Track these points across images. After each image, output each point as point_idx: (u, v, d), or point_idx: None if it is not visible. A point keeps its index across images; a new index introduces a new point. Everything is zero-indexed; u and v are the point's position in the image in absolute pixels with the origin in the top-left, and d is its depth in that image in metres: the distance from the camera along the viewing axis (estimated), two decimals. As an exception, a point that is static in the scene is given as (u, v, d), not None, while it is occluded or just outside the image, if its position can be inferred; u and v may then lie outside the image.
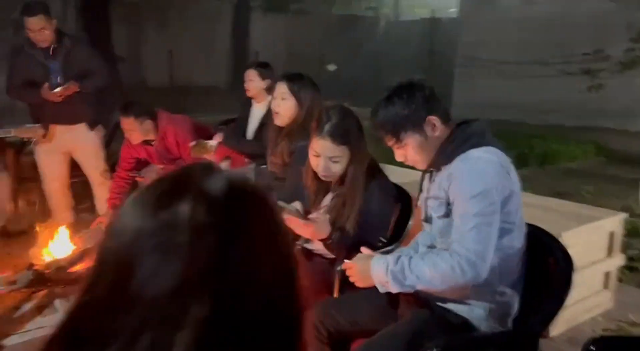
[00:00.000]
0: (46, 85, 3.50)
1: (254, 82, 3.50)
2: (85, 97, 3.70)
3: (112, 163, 3.93)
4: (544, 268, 1.73)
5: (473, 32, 11.49)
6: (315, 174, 2.08)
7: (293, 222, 1.91)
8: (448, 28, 13.57)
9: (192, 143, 3.42)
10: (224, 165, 3.38)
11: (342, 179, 2.06)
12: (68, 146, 3.85)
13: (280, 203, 2.44)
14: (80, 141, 3.85)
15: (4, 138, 3.78)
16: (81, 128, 3.81)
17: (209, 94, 11.03)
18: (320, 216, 1.97)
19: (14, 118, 3.92)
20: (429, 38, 14.16)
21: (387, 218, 2.12)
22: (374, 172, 2.08)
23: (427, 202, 1.75)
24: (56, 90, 3.52)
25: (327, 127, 1.96)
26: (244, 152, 3.40)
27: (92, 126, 3.84)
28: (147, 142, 3.59)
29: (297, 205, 2.13)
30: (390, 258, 1.66)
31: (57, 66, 3.59)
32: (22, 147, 3.87)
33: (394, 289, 1.63)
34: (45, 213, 4.04)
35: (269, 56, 12.83)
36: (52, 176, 3.91)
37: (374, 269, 1.67)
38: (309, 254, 2.18)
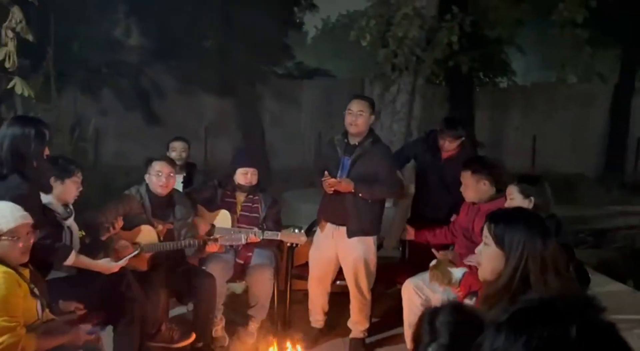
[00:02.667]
0: (326, 173, 3.37)
1: (514, 201, 2.89)
2: (360, 203, 3.39)
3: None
4: None
5: None
6: None
7: None
8: None
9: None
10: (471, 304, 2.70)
11: None
12: (334, 249, 3.55)
13: None
14: (344, 246, 3.50)
15: None
16: (345, 233, 3.47)
17: (572, 182, 10.04)
18: None
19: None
20: None
21: None
22: None
23: None
24: (325, 178, 3.35)
25: None
26: None
27: (351, 234, 3.44)
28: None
29: None
30: None
31: (348, 161, 3.41)
32: (293, 246, 3.68)
33: None
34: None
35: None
36: (315, 274, 3.64)
37: None
38: None
